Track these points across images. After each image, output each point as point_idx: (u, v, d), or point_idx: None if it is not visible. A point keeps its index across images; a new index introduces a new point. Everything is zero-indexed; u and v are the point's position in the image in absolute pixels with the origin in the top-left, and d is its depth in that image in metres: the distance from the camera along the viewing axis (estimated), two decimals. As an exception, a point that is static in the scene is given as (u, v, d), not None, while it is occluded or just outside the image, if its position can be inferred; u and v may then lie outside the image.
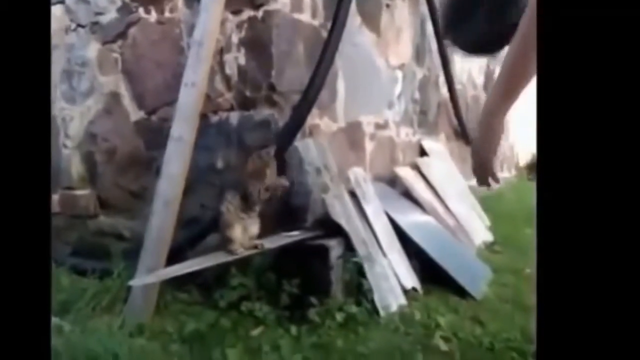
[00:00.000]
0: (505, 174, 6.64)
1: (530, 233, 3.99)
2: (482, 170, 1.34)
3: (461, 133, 4.98)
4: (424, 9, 4.14)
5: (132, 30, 3.03)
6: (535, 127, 0.87)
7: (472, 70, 5.57)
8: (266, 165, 2.27)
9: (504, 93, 1.22)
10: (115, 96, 3.13)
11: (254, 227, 2.32)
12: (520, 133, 7.03)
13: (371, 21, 3.46)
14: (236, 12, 2.69)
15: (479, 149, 1.31)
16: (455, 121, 4.91)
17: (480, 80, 5.85)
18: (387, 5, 3.69)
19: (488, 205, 4.55)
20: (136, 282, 2.26)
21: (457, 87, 4.77)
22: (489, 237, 4.08)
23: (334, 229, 2.62)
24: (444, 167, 4.33)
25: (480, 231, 4.04)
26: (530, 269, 3.28)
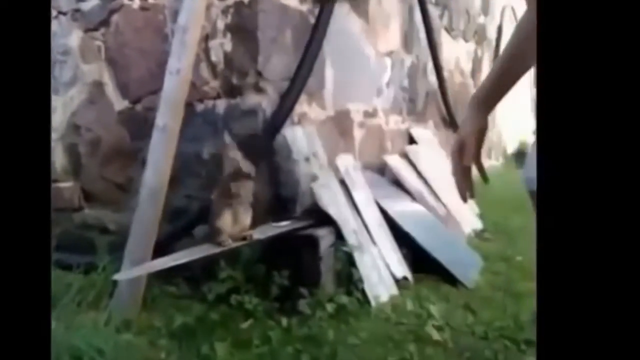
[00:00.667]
0: (492, 161, 6.64)
1: (518, 219, 3.98)
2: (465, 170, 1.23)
3: (449, 121, 4.96)
4: (412, -5, 4.10)
5: (115, 17, 2.95)
6: (533, 116, 0.85)
7: (460, 57, 5.53)
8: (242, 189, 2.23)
9: (496, 85, 1.18)
10: (98, 85, 3.06)
11: (246, 218, 2.27)
12: (507, 120, 7.02)
13: (359, 7, 3.41)
14: (221, -2, 2.63)
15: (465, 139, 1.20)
16: (443, 109, 4.88)
17: (468, 67, 5.82)
18: (375, -9, 3.63)
19: (477, 192, 4.53)
20: (122, 275, 2.21)
21: (445, 74, 4.74)
22: (478, 225, 4.07)
23: (323, 219, 2.58)
24: (433, 155, 4.30)
25: (470, 219, 4.03)
26: (522, 257, 3.27)
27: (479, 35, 6.05)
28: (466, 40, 5.69)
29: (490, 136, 5.85)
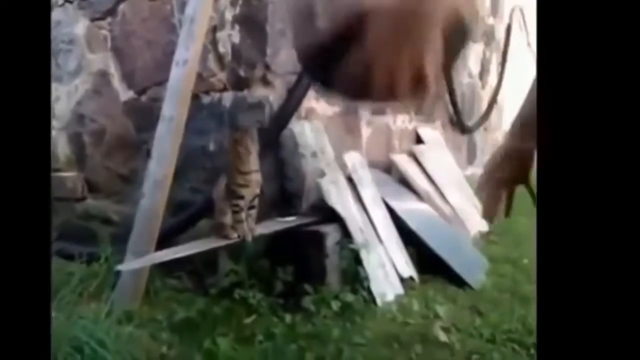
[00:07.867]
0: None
1: (524, 221, 3.92)
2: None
3: (457, 121, 4.91)
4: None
5: (122, 7, 2.92)
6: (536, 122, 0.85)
7: (468, 58, 5.48)
8: (238, 145, 2.11)
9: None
10: (104, 75, 3.02)
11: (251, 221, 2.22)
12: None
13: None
14: (231, -12, 2.59)
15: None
16: (451, 109, 4.83)
17: (476, 68, 5.77)
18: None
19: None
20: (125, 266, 2.18)
21: (453, 74, 4.68)
22: (484, 226, 4.02)
23: (329, 215, 2.54)
24: (440, 155, 4.25)
25: (475, 220, 3.98)
26: (527, 259, 3.22)
27: (488, 37, 6.00)
28: (474, 41, 5.64)
29: (497, 137, 5.81)
